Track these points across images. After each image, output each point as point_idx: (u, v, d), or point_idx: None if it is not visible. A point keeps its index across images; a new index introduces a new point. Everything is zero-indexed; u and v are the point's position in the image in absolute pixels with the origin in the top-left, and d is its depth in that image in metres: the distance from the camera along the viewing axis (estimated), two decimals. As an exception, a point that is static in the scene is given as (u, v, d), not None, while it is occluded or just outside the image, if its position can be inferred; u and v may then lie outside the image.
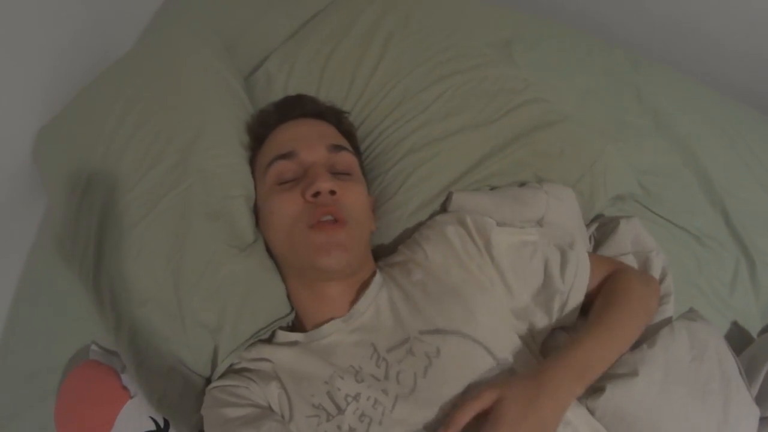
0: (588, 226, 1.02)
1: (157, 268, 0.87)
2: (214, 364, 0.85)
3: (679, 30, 1.32)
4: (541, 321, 0.84)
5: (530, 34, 1.24)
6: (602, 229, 1.02)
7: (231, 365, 0.86)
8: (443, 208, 0.97)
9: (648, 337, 0.87)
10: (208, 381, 0.86)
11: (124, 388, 0.92)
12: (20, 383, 0.99)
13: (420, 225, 0.96)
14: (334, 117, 0.97)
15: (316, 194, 0.80)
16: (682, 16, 1.31)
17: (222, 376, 0.85)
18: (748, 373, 0.89)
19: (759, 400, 0.88)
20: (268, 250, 0.91)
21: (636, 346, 0.87)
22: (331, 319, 0.82)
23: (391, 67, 1.05)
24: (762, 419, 0.85)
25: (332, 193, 0.81)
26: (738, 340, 0.99)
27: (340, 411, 0.74)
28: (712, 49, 1.31)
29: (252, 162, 0.95)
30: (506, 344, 0.79)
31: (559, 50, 1.23)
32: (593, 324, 0.80)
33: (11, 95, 1.00)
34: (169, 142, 0.92)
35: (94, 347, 0.98)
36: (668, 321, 0.90)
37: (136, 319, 0.87)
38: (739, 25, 1.29)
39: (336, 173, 0.86)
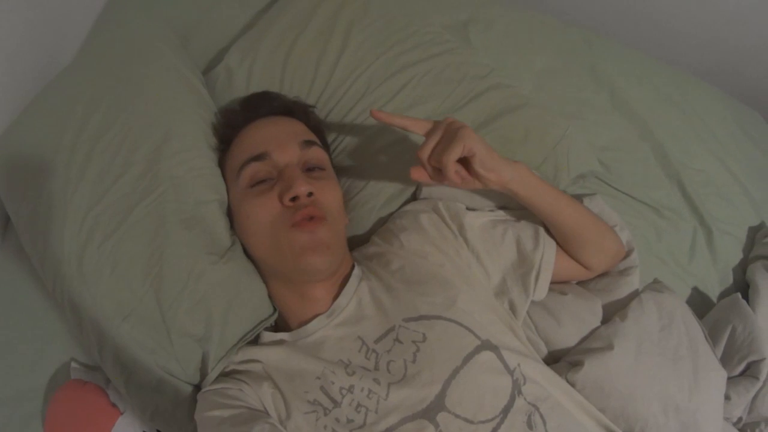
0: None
1: (136, 282, 0.83)
2: (203, 372, 0.83)
3: (631, 10, 1.35)
4: (519, 297, 0.86)
5: (486, 15, 1.25)
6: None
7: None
8: (413, 198, 0.98)
9: (618, 310, 0.92)
10: (198, 388, 0.84)
11: (113, 405, 0.89)
12: (2, 408, 0.93)
13: (392, 215, 0.96)
14: (302, 113, 0.95)
15: (294, 198, 0.80)
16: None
17: (213, 381, 0.83)
18: (712, 336, 0.94)
19: (724, 360, 0.94)
20: (246, 253, 0.89)
21: (608, 320, 0.92)
22: (315, 316, 0.83)
23: (353, 57, 1.04)
24: (729, 378, 0.91)
25: (309, 194, 0.80)
26: (699, 305, 1.05)
27: (336, 404, 0.75)
28: (664, 30, 1.35)
29: (221, 163, 0.93)
30: (487, 325, 0.80)
31: (515, 30, 1.24)
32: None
33: None
34: (135, 150, 0.88)
35: (74, 364, 0.94)
36: (635, 293, 0.95)
37: (119, 335, 0.83)
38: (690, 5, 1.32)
39: (309, 169, 0.85)
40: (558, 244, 0.92)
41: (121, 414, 0.89)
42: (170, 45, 1.04)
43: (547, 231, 0.92)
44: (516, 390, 0.74)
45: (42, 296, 0.94)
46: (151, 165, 0.87)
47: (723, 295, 1.07)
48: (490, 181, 0.81)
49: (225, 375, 0.83)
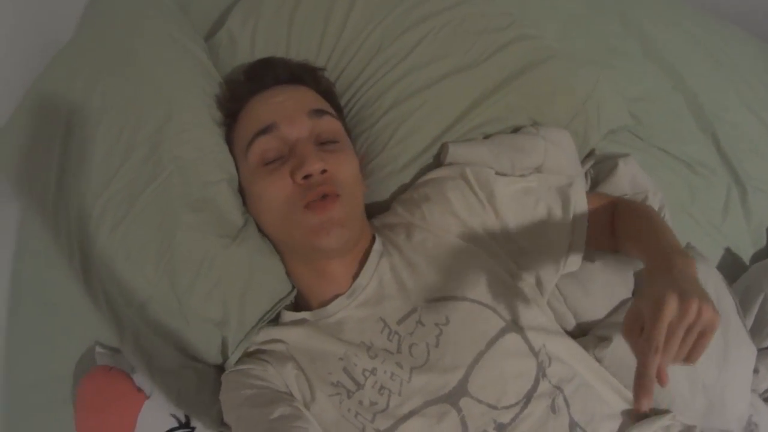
0: (583, 162, 1.00)
1: (149, 270, 0.81)
2: (224, 354, 0.83)
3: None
4: (547, 272, 0.82)
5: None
6: (599, 167, 1.00)
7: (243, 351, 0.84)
8: (437, 161, 0.93)
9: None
10: (222, 369, 0.84)
11: (139, 389, 0.89)
12: (26, 394, 0.96)
13: (416, 179, 0.92)
14: (311, 78, 0.89)
15: (307, 176, 0.76)
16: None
17: (237, 362, 0.83)
18: (743, 304, 0.91)
19: (754, 331, 0.91)
20: (260, 230, 0.86)
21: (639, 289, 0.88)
22: (335, 296, 0.81)
23: (364, 12, 0.96)
24: (759, 350, 0.88)
25: (323, 171, 0.76)
26: (731, 267, 1.01)
27: (360, 386, 0.74)
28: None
29: (228, 139, 0.88)
30: (513, 303, 0.78)
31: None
32: (642, 229, 0.80)
33: None
34: (137, 130, 0.84)
35: (99, 349, 0.95)
36: (668, 260, 0.90)
37: (137, 321, 0.83)
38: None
39: (322, 142, 0.81)
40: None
41: (147, 398, 0.89)
42: (167, 13, 0.98)
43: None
44: (540, 373, 0.73)
45: (63, 280, 0.92)
46: (155, 147, 0.84)
47: (756, 256, 1.03)
48: None
49: (248, 355, 0.83)
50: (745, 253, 1.03)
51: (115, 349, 0.95)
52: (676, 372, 0.81)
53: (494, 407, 0.70)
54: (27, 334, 0.99)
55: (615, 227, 0.86)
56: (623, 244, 0.84)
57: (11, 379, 0.97)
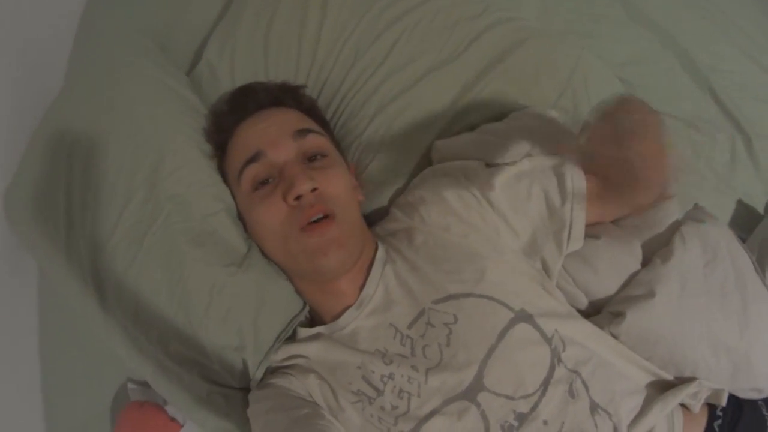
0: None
1: (164, 306, 0.84)
2: (247, 376, 0.85)
3: None
4: (552, 255, 0.82)
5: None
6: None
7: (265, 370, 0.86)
8: (429, 161, 0.93)
9: (659, 247, 0.87)
10: (248, 391, 0.86)
11: (173, 419, 0.93)
12: None
13: (410, 181, 0.93)
14: (292, 98, 0.91)
15: (298, 197, 0.77)
16: None
17: (260, 380, 0.85)
18: (760, 259, 0.88)
19: (775, 283, 0.88)
20: (264, 254, 0.88)
21: (648, 259, 0.87)
22: (345, 308, 0.82)
23: (335, 24, 0.97)
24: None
25: (314, 189, 0.78)
26: (746, 219, 0.99)
27: (379, 393, 0.75)
28: None
29: (221, 169, 0.90)
30: (520, 292, 0.78)
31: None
32: None
33: None
34: (134, 173, 0.87)
35: (131, 385, 0.98)
36: (675, 225, 0.88)
37: (160, 355, 0.86)
38: None
39: (310, 159, 0.82)
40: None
41: (182, 426, 0.93)
42: (148, 55, 0.99)
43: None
44: (555, 358, 0.73)
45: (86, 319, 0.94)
46: (152, 188, 0.86)
47: (770, 206, 1.01)
48: None
49: (271, 373, 0.85)
50: (759, 203, 1.01)
51: (145, 383, 0.98)
52: (695, 336, 0.80)
53: (512, 398, 0.71)
54: (61, 377, 1.03)
55: None
56: None
57: (50, 424, 1.01)
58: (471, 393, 0.72)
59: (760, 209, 1.00)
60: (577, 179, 0.82)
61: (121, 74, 0.95)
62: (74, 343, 1.02)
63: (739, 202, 1.00)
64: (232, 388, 0.88)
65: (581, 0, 1.09)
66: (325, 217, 0.77)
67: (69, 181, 0.89)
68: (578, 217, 0.81)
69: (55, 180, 0.90)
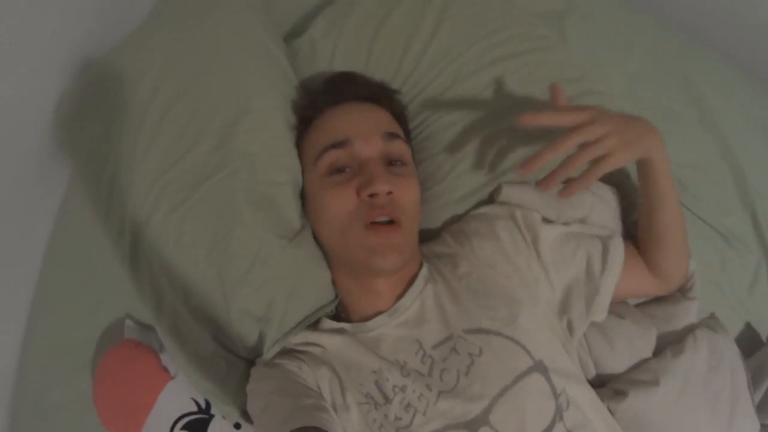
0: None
1: (200, 257, 0.84)
2: (258, 350, 0.85)
3: (732, 15, 1.26)
4: (579, 318, 0.86)
5: (584, 5, 1.17)
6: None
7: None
8: (491, 199, 0.96)
9: (672, 343, 0.92)
10: (251, 364, 0.87)
11: (164, 369, 0.92)
12: (54, 355, 0.98)
13: (467, 213, 0.95)
14: (387, 99, 0.92)
15: (373, 195, 0.79)
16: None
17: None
18: (754, 380, 0.94)
19: (760, 407, 0.94)
20: (314, 237, 0.90)
21: (660, 350, 0.92)
22: (377, 312, 0.84)
23: (445, 43, 0.99)
24: (762, 426, 0.91)
25: (389, 193, 0.80)
26: (749, 342, 1.03)
27: (388, 401, 0.77)
28: (761, 42, 1.26)
29: (298, 143, 0.91)
30: (543, 344, 0.81)
31: (611, 27, 1.17)
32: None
33: (34, 50, 0.89)
34: (209, 120, 0.86)
35: (129, 323, 0.97)
36: (691, 327, 0.94)
37: (178, 304, 0.85)
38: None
39: (390, 163, 0.84)
40: (638, 247, 0.92)
41: (171, 378, 0.91)
42: (252, 8, 0.99)
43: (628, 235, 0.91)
44: (558, 415, 0.76)
45: (104, 251, 0.95)
46: (225, 139, 0.86)
47: (775, 336, 1.06)
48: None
49: (283, 353, 0.86)
50: (765, 330, 1.05)
51: (145, 324, 0.97)
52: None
53: None
54: (57, 294, 1.01)
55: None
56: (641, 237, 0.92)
57: (35, 338, 0.99)
58: (475, 425, 0.74)
59: (764, 337, 1.05)
60: (617, 257, 0.87)
61: (222, 17, 0.94)
62: (79, 267, 1.01)
63: (747, 325, 1.05)
64: (237, 356, 0.88)
65: (662, 93, 1.14)
66: (391, 221, 0.79)
67: (138, 104, 0.88)
68: (608, 288, 0.86)
69: (123, 100, 0.88)
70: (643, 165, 0.84)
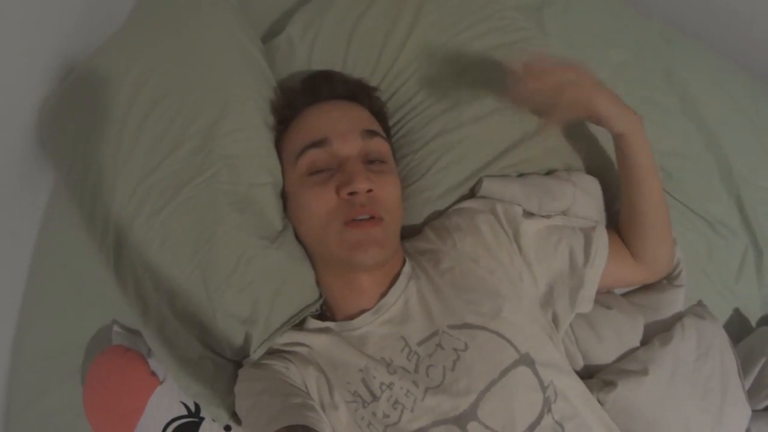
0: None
1: (184, 260, 0.84)
2: (244, 352, 0.86)
3: (713, 4, 1.25)
4: (564, 310, 0.86)
5: (563, -1, 1.18)
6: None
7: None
8: (472, 193, 0.96)
9: (659, 331, 0.92)
10: (239, 365, 0.87)
11: (153, 374, 0.92)
12: (44, 362, 0.98)
13: (449, 209, 0.95)
14: (366, 97, 0.93)
15: (352, 193, 0.79)
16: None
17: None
18: (744, 365, 0.94)
19: (751, 392, 0.94)
20: (296, 237, 0.90)
21: (648, 339, 0.92)
22: (362, 311, 0.84)
23: (423, 38, 0.99)
24: (753, 412, 0.92)
25: (369, 191, 0.80)
26: (738, 327, 1.04)
27: (375, 398, 0.77)
28: (743, 31, 1.26)
29: (278, 144, 0.91)
30: (529, 337, 0.81)
31: (592, 18, 1.17)
32: None
33: (15, 55, 0.90)
34: (190, 123, 0.87)
35: (116, 328, 0.97)
36: (678, 315, 0.94)
37: (163, 307, 0.85)
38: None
39: (370, 161, 0.84)
40: (622, 236, 0.92)
41: (160, 383, 0.92)
42: (229, 9, 0.99)
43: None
44: (546, 408, 0.76)
45: (90, 256, 0.94)
46: (206, 142, 0.86)
47: (763, 320, 1.06)
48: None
49: (270, 354, 0.86)
50: (753, 316, 1.05)
51: (133, 330, 0.97)
52: (672, 423, 0.85)
53: None
54: (44, 301, 1.01)
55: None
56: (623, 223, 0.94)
57: (23, 344, 0.99)
58: (463, 420, 0.74)
59: (753, 322, 1.05)
60: (601, 249, 0.88)
61: (200, 19, 0.94)
62: (66, 273, 1.01)
63: (736, 311, 1.05)
64: (224, 358, 0.88)
65: (645, 83, 1.14)
66: (372, 218, 0.79)
67: (120, 107, 0.88)
68: (592, 280, 0.87)
69: (105, 103, 0.88)
70: (622, 141, 0.85)
